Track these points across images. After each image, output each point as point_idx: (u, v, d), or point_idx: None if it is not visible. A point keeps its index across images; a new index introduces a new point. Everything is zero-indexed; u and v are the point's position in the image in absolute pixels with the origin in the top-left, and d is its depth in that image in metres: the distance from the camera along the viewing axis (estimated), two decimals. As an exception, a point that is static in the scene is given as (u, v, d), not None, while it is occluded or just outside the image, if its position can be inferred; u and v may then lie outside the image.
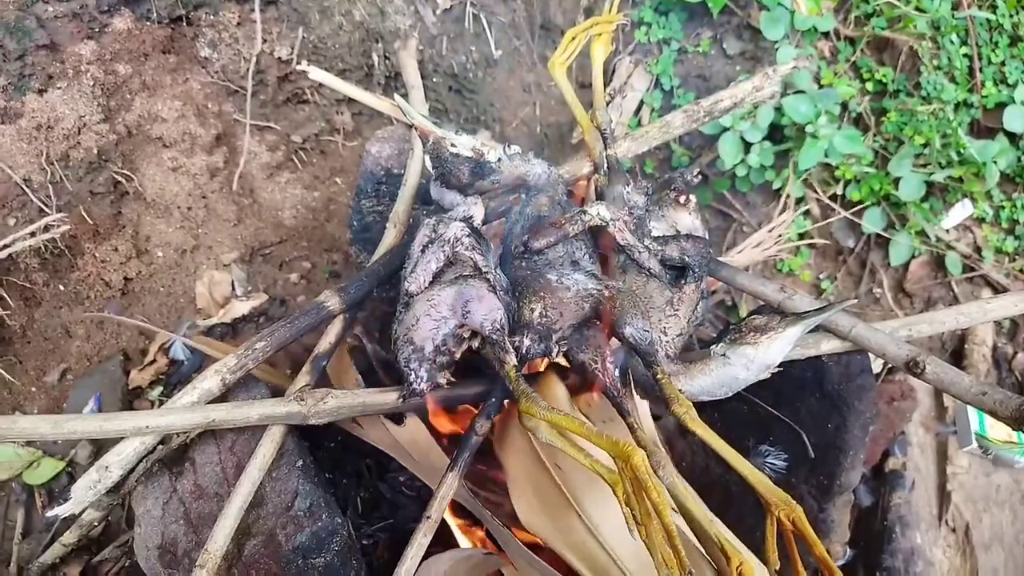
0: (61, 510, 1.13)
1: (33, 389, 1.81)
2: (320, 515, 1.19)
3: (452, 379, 1.24)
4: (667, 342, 1.27)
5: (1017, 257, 2.25)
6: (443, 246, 1.23)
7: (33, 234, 1.78)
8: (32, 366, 1.82)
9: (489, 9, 2.19)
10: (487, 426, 1.25)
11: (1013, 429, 1.23)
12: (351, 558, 1.21)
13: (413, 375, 1.21)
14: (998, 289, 2.20)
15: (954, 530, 1.66)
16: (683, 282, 1.29)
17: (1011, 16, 2.30)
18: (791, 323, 1.25)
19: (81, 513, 1.33)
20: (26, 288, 1.85)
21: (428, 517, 1.16)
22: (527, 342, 1.22)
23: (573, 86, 2.04)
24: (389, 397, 1.27)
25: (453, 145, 1.29)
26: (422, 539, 1.14)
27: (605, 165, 1.44)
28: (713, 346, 1.28)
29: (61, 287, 1.87)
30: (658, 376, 1.15)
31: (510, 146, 1.38)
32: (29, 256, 1.83)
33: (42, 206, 1.86)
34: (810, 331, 1.33)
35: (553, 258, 1.28)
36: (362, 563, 1.24)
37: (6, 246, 1.75)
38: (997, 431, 1.73)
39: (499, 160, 1.34)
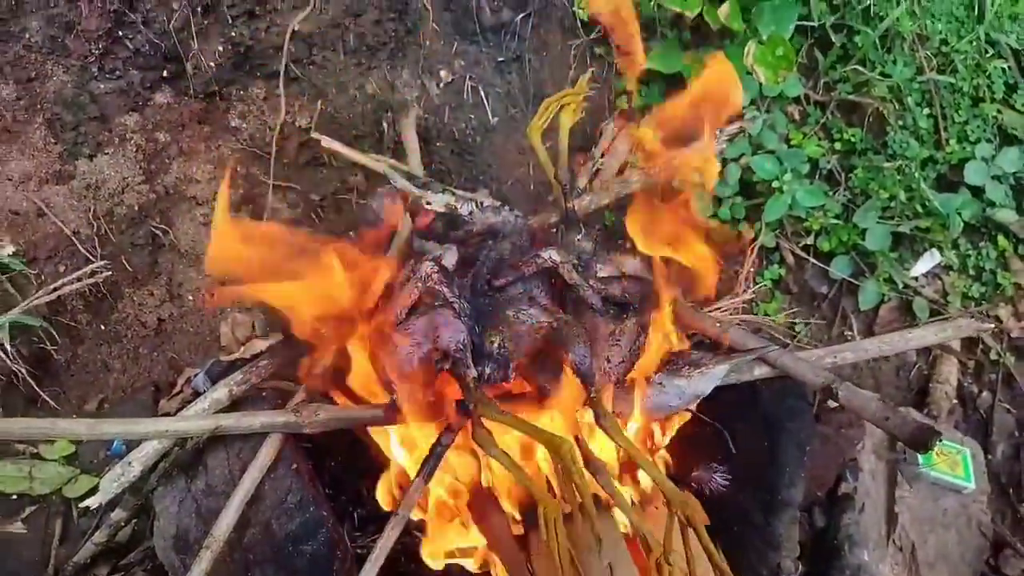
0: (92, 501, 1.38)
1: (74, 416, 2.08)
2: (308, 507, 1.43)
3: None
4: (610, 368, 1.50)
5: (983, 301, 2.41)
6: (417, 283, 1.48)
7: (79, 279, 2.07)
8: (74, 395, 2.10)
9: (487, 82, 2.49)
10: (453, 437, 1.47)
11: (916, 451, 1.42)
12: (337, 548, 1.44)
13: (395, 394, 1.45)
14: (964, 332, 2.36)
15: (901, 549, 1.81)
16: (624, 316, 1.52)
17: (971, 80, 2.52)
18: (720, 361, 1.48)
19: (111, 511, 1.58)
20: (71, 327, 2.14)
21: (397, 513, 1.38)
22: (487, 370, 1.45)
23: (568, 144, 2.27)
24: (375, 412, 1.51)
25: (428, 203, 1.55)
26: (391, 531, 1.36)
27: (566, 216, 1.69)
28: (654, 375, 1.50)
29: (102, 327, 2.17)
30: (592, 395, 1.37)
31: (484, 200, 1.64)
32: (75, 299, 2.13)
33: (88, 255, 2.17)
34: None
35: (513, 295, 1.53)
36: (348, 554, 1.47)
37: (56, 289, 2.04)
38: (943, 460, 1.90)
39: (471, 213, 1.60)
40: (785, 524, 1.70)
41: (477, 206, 1.61)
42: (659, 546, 1.27)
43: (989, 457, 2.18)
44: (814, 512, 1.90)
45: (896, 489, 1.88)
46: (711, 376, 1.46)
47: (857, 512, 1.83)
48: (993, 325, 1.97)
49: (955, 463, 1.90)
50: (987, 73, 2.52)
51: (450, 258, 1.56)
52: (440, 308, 1.45)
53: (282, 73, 2.37)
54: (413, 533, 1.68)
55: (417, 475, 1.42)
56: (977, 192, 2.43)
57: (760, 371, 1.57)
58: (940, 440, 1.51)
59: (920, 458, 1.86)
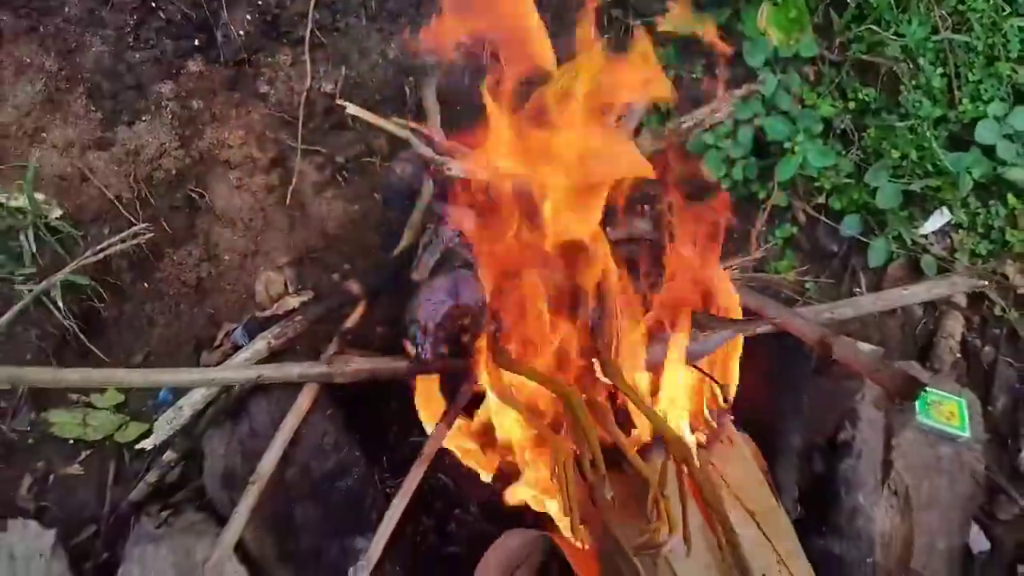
0: (147, 442, 1.56)
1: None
2: (343, 448, 1.61)
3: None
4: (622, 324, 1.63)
5: (991, 258, 2.49)
6: (438, 245, 1.62)
7: (123, 241, 2.23)
8: (121, 350, 2.28)
9: (504, 45, 2.59)
10: (471, 390, 1.63)
11: (899, 399, 1.54)
12: (368, 485, 1.61)
13: (419, 348, 1.61)
14: (969, 289, 2.45)
15: (895, 493, 1.94)
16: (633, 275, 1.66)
17: (986, 38, 2.57)
18: (725, 327, 1.61)
19: (162, 454, 1.76)
20: (117, 286, 2.32)
21: (421, 454, 1.54)
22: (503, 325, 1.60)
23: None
24: (400, 364, 1.67)
25: (449, 168, 1.68)
26: (416, 469, 1.52)
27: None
28: (663, 333, 1.64)
29: (145, 285, 2.34)
30: (599, 347, 1.52)
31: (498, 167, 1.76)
32: (120, 259, 2.30)
33: (130, 218, 2.34)
34: (745, 314, 1.68)
35: (529, 255, 1.66)
36: (379, 491, 1.64)
37: (102, 250, 2.20)
38: (939, 410, 2.02)
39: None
40: (784, 469, 1.84)
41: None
42: (656, 486, 1.41)
43: (989, 409, 2.30)
44: (814, 458, 2.03)
45: (893, 437, 2.01)
46: (715, 338, 1.59)
47: (854, 458, 1.96)
48: (987, 282, 2.07)
49: (952, 413, 2.02)
50: (1003, 32, 2.57)
51: (469, 221, 1.69)
52: (461, 268, 1.59)
53: (307, 40, 2.50)
54: (439, 476, 1.85)
55: (439, 422, 1.58)
56: (988, 151, 2.50)
57: (761, 328, 1.69)
58: (925, 391, 1.63)
59: (918, 408, 1.98)
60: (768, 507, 1.64)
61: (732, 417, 1.76)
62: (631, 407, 1.54)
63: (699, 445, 1.63)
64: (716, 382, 1.61)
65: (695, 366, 1.64)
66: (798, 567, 1.55)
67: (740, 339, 1.72)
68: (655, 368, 1.68)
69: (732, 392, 1.77)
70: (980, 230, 2.51)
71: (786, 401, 1.76)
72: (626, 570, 1.48)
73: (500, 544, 1.62)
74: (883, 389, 1.51)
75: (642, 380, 1.70)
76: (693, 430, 1.69)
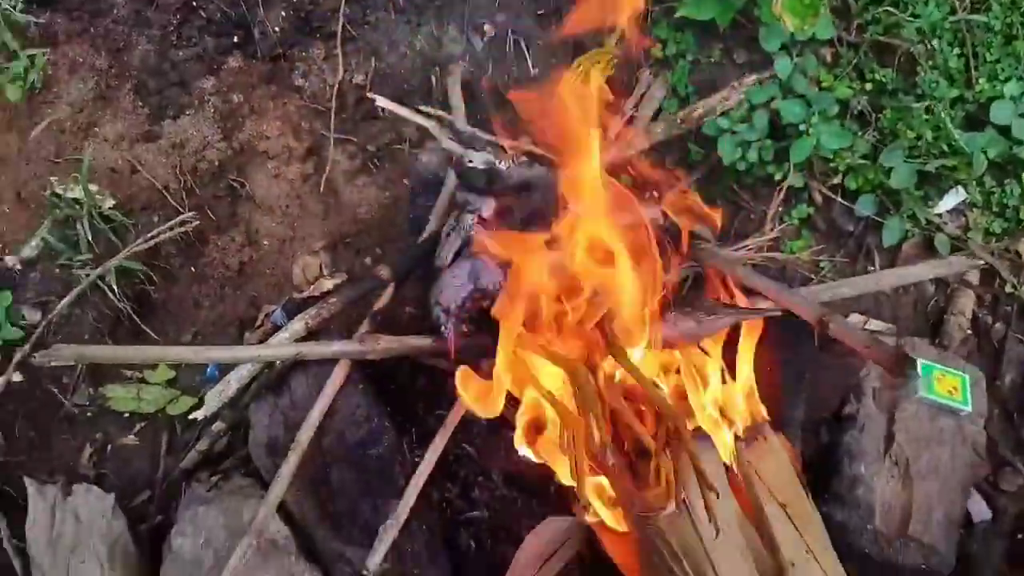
0: (199, 413, 1.76)
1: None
2: (374, 419, 1.79)
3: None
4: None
5: (1005, 237, 2.57)
6: (460, 232, 1.78)
7: (171, 228, 2.42)
8: (171, 329, 2.48)
9: (528, 34, 2.72)
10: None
11: (892, 375, 1.66)
12: (397, 453, 1.79)
13: (443, 328, 1.77)
14: (982, 266, 2.53)
15: (896, 463, 2.06)
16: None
17: (1004, 18, 2.63)
18: (728, 313, 1.74)
19: (211, 424, 1.96)
20: (166, 270, 2.52)
21: (444, 425, 1.71)
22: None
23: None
24: (426, 342, 1.84)
25: (471, 160, 1.83)
26: (440, 437, 1.69)
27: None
28: (669, 312, 1.78)
29: (192, 269, 2.53)
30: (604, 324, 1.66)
31: (517, 156, 1.91)
32: (168, 245, 2.49)
33: (177, 207, 2.53)
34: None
35: (543, 241, 1.81)
36: (407, 459, 1.82)
37: (152, 238, 2.40)
38: (942, 385, 2.13)
39: (508, 167, 1.88)
40: (790, 440, 1.98)
41: (513, 161, 1.89)
42: (656, 452, 1.56)
43: (998, 383, 2.39)
44: (821, 431, 2.16)
45: (896, 411, 2.12)
46: (720, 323, 1.73)
47: (858, 431, 2.08)
48: (983, 262, 2.16)
49: (954, 388, 2.12)
50: (1021, 11, 2.62)
51: (486, 209, 1.85)
52: (480, 254, 1.74)
53: (339, 34, 2.66)
54: (464, 446, 2.01)
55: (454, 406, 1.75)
56: (1004, 131, 2.56)
57: (763, 305, 1.82)
58: (929, 366, 1.75)
59: (921, 382, 2.09)
60: (799, 501, 1.74)
61: (768, 419, 1.86)
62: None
63: (738, 438, 1.73)
64: (704, 351, 1.72)
65: (699, 346, 1.78)
66: (827, 560, 1.67)
67: (755, 337, 1.83)
68: (668, 345, 1.82)
69: (747, 376, 1.85)
70: (995, 209, 2.57)
71: (789, 378, 1.89)
72: (661, 546, 1.58)
73: (537, 532, 1.76)
74: (878, 365, 1.63)
75: (656, 361, 1.84)
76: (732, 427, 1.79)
